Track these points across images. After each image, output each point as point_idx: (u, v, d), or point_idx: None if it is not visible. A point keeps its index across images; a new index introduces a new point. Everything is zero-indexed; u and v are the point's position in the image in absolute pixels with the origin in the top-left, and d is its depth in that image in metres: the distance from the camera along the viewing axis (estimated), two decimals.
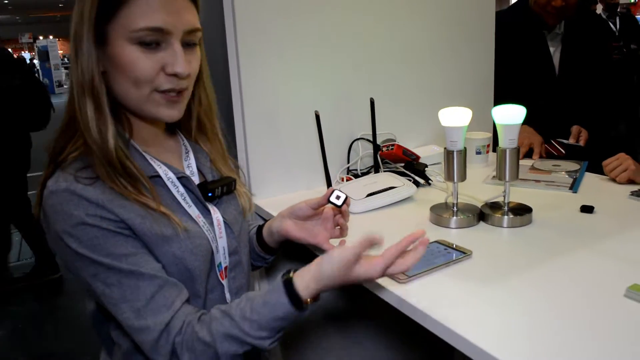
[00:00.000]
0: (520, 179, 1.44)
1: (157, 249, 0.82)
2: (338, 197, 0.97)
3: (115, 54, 0.80)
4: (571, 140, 1.90)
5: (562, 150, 1.88)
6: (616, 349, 0.70)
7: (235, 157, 1.07)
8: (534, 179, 1.47)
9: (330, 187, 0.95)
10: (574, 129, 1.92)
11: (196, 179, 0.93)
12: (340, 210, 1.02)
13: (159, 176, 0.87)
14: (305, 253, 1.14)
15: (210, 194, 0.92)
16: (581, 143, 1.89)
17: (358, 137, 1.55)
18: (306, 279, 0.80)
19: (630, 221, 1.15)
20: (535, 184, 1.43)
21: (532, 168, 1.58)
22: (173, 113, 0.86)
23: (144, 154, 0.87)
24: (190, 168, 0.95)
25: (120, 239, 0.79)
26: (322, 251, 1.00)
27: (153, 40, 0.80)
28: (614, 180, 1.40)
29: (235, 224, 0.96)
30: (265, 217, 1.35)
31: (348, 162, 1.55)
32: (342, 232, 1.04)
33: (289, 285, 0.79)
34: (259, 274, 1.47)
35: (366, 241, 0.79)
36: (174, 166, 0.90)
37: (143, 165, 0.85)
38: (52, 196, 0.78)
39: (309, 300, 0.80)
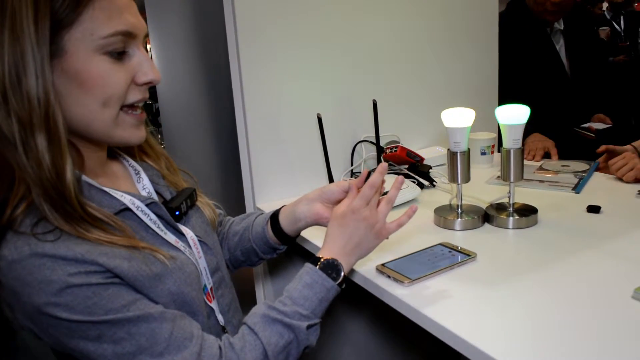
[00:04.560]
0: (525, 179, 1.42)
1: (151, 291, 0.72)
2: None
3: (78, 70, 0.67)
4: (600, 125, 1.96)
5: (591, 134, 1.93)
6: (624, 352, 0.68)
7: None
8: (539, 179, 1.46)
9: (366, 169, 0.93)
10: (597, 117, 1.98)
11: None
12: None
13: (127, 209, 0.76)
14: (304, 250, 1.13)
15: (177, 213, 0.84)
16: (609, 123, 1.95)
17: (361, 139, 1.54)
18: (323, 244, 0.87)
19: (638, 221, 1.13)
20: (538, 184, 1.42)
21: (540, 168, 1.56)
22: (142, 134, 0.77)
23: (103, 188, 0.75)
24: (147, 189, 0.85)
25: (114, 289, 0.68)
26: None
27: (122, 48, 0.69)
28: (620, 179, 1.38)
29: (208, 238, 0.89)
30: None
31: (352, 165, 1.55)
32: None
33: (310, 258, 0.85)
34: (262, 274, 1.46)
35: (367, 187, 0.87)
36: (133, 192, 0.80)
37: (106, 201, 0.74)
38: (15, 267, 0.64)
39: (323, 257, 0.84)
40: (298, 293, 0.81)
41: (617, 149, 1.57)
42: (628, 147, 1.55)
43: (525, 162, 1.58)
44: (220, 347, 0.75)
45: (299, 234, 1.04)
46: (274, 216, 1.03)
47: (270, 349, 0.76)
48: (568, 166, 1.56)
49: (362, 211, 0.86)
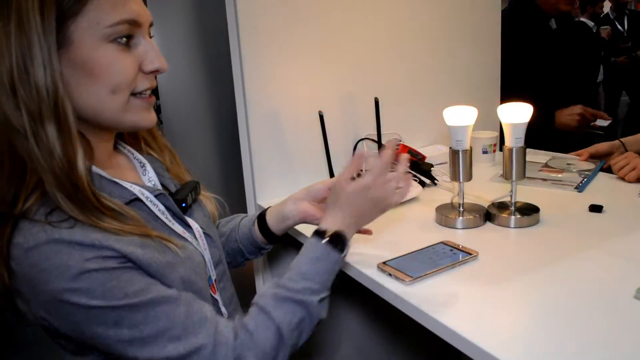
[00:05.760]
0: (528, 177, 1.43)
1: (165, 278, 0.72)
2: (359, 176, 0.94)
3: (85, 58, 0.68)
4: (602, 122, 2.05)
5: (600, 131, 2.04)
6: (626, 352, 0.68)
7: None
8: (542, 177, 1.46)
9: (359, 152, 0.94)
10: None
11: None
12: None
13: (136, 199, 0.77)
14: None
15: (184, 205, 0.85)
16: (608, 119, 2.06)
17: (363, 137, 1.54)
18: (323, 219, 0.87)
19: None
20: (542, 183, 1.42)
21: (545, 166, 1.56)
22: (153, 117, 0.78)
23: (113, 179, 0.76)
24: (152, 182, 0.86)
25: (130, 274, 0.68)
26: None
27: (128, 36, 0.70)
28: (622, 179, 1.38)
29: (211, 231, 0.90)
30: None
31: None
32: None
33: (313, 232, 0.85)
34: (262, 269, 1.46)
35: (356, 160, 0.87)
36: (140, 184, 0.81)
37: (117, 192, 0.75)
38: (32, 253, 0.64)
39: (331, 231, 0.83)
40: (307, 268, 0.80)
41: (600, 150, 1.57)
42: (616, 142, 1.55)
43: (531, 158, 1.60)
44: (233, 329, 0.75)
45: (285, 232, 1.05)
46: (261, 216, 1.04)
47: (284, 327, 0.76)
48: (573, 164, 1.55)
49: (374, 190, 0.85)
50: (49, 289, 0.64)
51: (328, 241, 0.83)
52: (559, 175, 1.47)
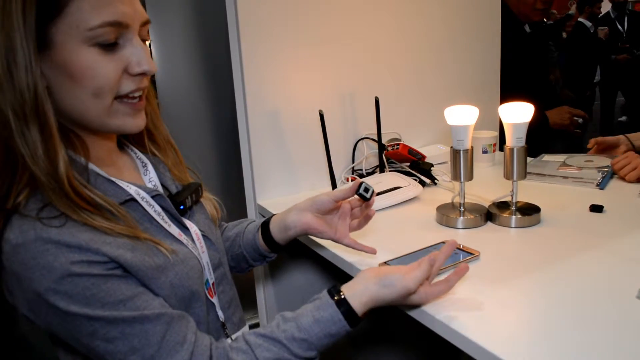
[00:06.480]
0: (548, 175, 1.44)
1: (153, 282, 0.72)
2: (367, 190, 0.93)
3: (67, 61, 0.67)
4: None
5: (577, 130, 2.11)
6: (628, 351, 0.68)
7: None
8: (562, 175, 1.45)
9: (357, 180, 0.92)
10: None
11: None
12: (368, 203, 0.96)
13: (132, 199, 0.76)
14: (304, 249, 1.12)
15: (182, 207, 0.84)
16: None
17: (363, 136, 1.54)
18: (361, 298, 0.78)
19: None
20: (562, 180, 1.42)
21: (564, 164, 1.55)
22: (140, 122, 0.76)
23: (110, 178, 0.75)
24: (153, 182, 0.85)
25: (114, 282, 0.67)
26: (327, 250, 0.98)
27: (112, 39, 0.68)
28: (623, 178, 1.38)
29: (211, 234, 0.89)
30: None
31: (353, 162, 1.54)
32: (364, 223, 0.99)
33: (344, 302, 0.77)
34: (262, 275, 1.46)
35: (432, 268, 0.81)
36: (139, 184, 0.80)
37: (112, 191, 0.74)
38: (20, 250, 0.64)
39: (359, 312, 0.78)
40: (319, 341, 0.76)
41: (607, 140, 1.57)
42: (621, 137, 1.55)
43: (549, 158, 1.59)
44: (211, 357, 0.73)
45: (289, 242, 1.03)
46: (265, 224, 1.02)
47: None
48: (592, 161, 1.54)
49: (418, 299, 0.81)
50: (33, 287, 0.65)
51: (350, 318, 0.77)
52: (579, 172, 1.46)
